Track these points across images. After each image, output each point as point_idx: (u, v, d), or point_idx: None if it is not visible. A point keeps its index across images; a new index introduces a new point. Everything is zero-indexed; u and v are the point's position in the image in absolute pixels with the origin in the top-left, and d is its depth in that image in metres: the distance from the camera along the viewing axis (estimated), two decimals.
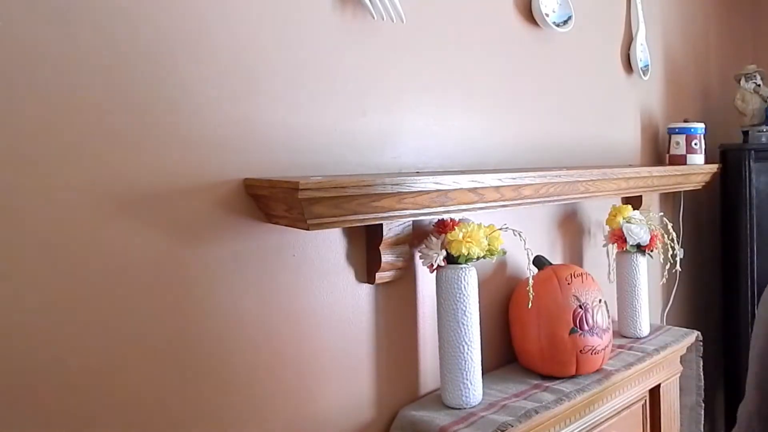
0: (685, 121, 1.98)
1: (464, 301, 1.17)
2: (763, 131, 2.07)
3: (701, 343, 1.74)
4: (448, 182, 1.06)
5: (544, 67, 1.54)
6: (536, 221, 1.53)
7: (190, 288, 0.93)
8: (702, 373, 1.76)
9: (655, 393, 1.56)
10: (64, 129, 0.81)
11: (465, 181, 1.08)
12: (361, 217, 0.97)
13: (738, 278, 2.08)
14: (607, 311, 1.39)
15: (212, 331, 0.96)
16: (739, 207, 2.05)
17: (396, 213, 1.02)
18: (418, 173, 1.13)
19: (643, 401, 1.53)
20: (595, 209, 1.72)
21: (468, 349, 1.18)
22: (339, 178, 0.93)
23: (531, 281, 1.29)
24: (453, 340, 1.17)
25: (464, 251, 1.14)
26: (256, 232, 1.00)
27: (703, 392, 1.77)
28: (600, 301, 1.37)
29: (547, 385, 1.31)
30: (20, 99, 0.77)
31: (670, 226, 1.65)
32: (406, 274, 1.22)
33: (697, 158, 1.90)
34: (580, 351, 1.31)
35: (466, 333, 1.17)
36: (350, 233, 1.13)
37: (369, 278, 1.15)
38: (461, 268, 1.17)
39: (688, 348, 1.68)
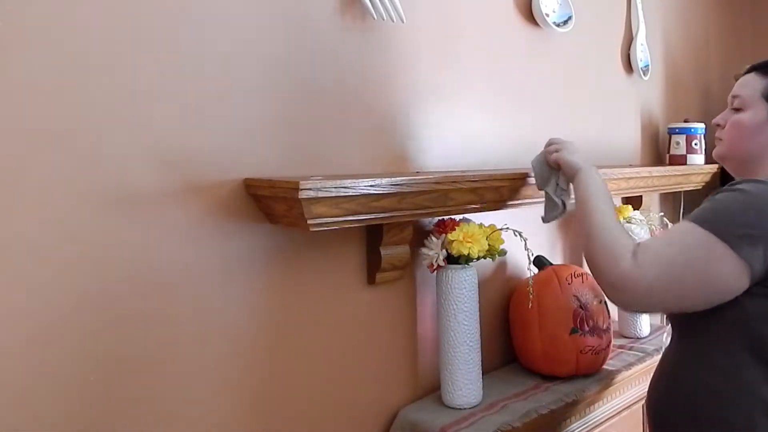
0: (686, 121, 1.99)
1: (464, 301, 1.17)
2: None
3: None
4: (448, 182, 1.06)
5: (545, 68, 1.54)
6: (536, 221, 1.52)
7: (189, 288, 0.93)
8: None
9: None
10: (63, 129, 0.81)
11: (465, 182, 1.09)
12: (361, 217, 0.97)
13: None
14: (608, 311, 1.39)
15: (211, 330, 0.96)
16: None
17: (396, 213, 1.02)
18: (417, 173, 1.13)
19: (643, 401, 1.53)
20: None
21: (468, 349, 1.18)
22: (339, 178, 0.93)
23: (531, 281, 1.29)
24: (453, 340, 1.17)
25: (464, 251, 1.14)
26: (256, 232, 1.00)
27: None
28: (600, 301, 1.37)
29: (547, 385, 1.31)
30: (18, 101, 0.77)
31: (670, 226, 1.65)
32: (406, 274, 1.22)
33: (698, 158, 1.90)
34: (581, 351, 1.31)
35: (466, 333, 1.17)
36: (350, 233, 1.12)
37: (369, 278, 1.15)
38: (461, 268, 1.17)
39: None
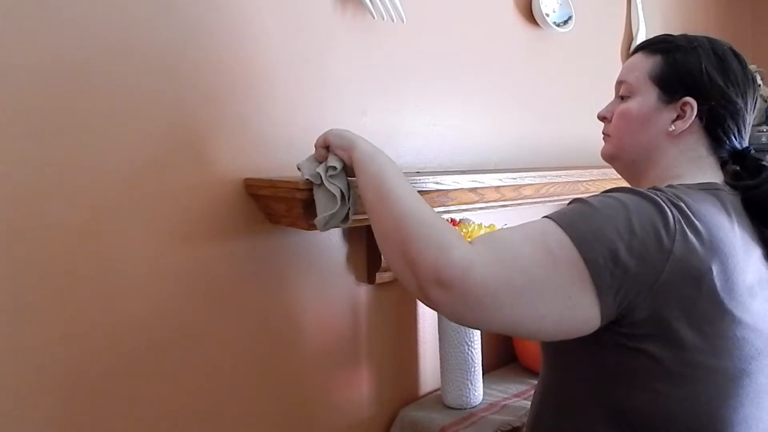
0: None
1: None
2: (763, 131, 2.07)
3: None
4: (448, 182, 1.06)
5: (545, 67, 1.54)
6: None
7: (188, 287, 0.93)
8: None
9: None
10: (67, 131, 0.81)
11: (465, 181, 1.08)
12: (361, 217, 0.97)
13: None
14: None
15: (211, 329, 0.96)
16: None
17: None
18: (418, 173, 1.13)
19: None
20: None
21: (468, 349, 1.18)
22: None
23: None
24: (453, 340, 1.17)
25: None
26: (256, 232, 1.00)
27: None
28: None
29: None
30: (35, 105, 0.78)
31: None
32: None
33: None
34: None
35: (466, 333, 1.17)
36: (350, 233, 1.12)
37: (369, 278, 1.15)
38: None
39: None
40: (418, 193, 0.74)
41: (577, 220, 0.66)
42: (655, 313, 0.65)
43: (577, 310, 0.64)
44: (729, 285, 0.66)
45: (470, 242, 0.67)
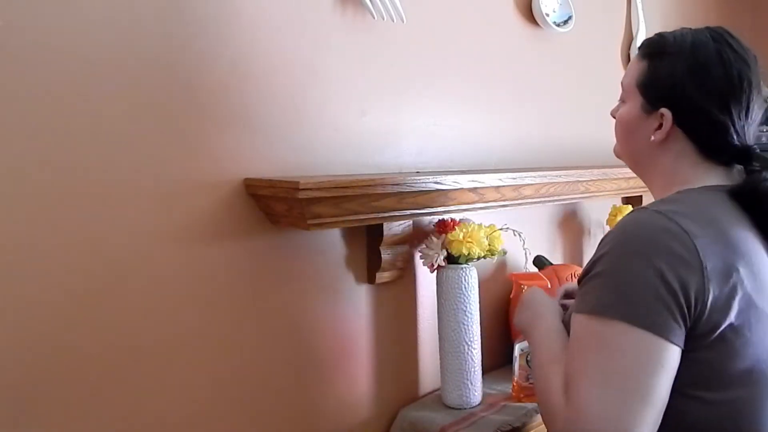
0: None
1: (465, 301, 1.17)
2: (763, 131, 2.07)
3: None
4: (448, 182, 1.06)
5: (545, 67, 1.54)
6: (536, 221, 1.52)
7: (188, 287, 0.93)
8: None
9: None
10: (65, 131, 0.81)
11: (465, 181, 1.08)
12: (361, 217, 0.97)
13: None
14: None
15: (210, 329, 0.96)
16: None
17: (396, 213, 1.02)
18: (418, 173, 1.13)
19: None
20: (596, 209, 1.72)
21: (468, 349, 1.17)
22: (339, 178, 0.93)
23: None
24: (453, 340, 1.17)
25: (465, 251, 1.14)
26: (256, 232, 1.00)
27: None
28: None
29: None
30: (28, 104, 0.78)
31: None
32: (406, 274, 1.21)
33: None
34: None
35: (466, 333, 1.17)
36: (350, 233, 1.12)
37: (369, 278, 1.15)
38: (462, 268, 1.17)
39: None
40: (548, 355, 0.78)
41: (610, 300, 0.67)
42: (706, 322, 0.66)
43: (669, 365, 0.65)
44: (757, 283, 0.68)
45: (565, 391, 0.68)
